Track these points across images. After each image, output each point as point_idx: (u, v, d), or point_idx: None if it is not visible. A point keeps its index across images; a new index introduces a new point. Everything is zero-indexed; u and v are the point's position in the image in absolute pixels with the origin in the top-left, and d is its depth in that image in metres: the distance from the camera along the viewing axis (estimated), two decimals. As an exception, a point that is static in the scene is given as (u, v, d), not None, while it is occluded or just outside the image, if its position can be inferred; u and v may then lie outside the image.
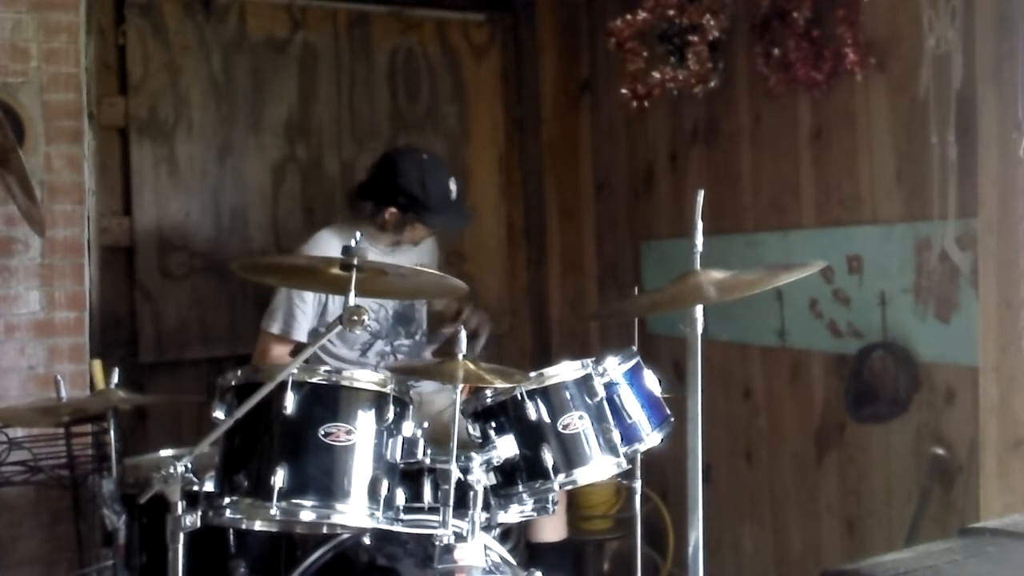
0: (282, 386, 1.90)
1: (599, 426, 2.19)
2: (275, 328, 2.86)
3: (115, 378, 2.38)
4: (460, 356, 2.01)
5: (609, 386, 2.25)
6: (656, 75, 3.28)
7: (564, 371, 2.19)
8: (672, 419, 2.38)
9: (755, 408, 3.27)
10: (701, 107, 3.39)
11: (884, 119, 2.73)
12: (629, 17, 3.34)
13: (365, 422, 1.97)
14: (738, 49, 3.17)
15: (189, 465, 1.80)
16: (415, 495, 2.08)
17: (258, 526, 2.00)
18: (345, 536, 2.21)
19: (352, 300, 1.83)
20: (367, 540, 2.22)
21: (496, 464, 2.08)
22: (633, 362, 2.37)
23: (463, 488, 2.00)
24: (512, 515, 2.20)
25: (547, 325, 4.16)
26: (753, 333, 3.21)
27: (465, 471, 2.00)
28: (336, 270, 1.92)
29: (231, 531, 2.23)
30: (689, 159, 3.51)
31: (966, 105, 2.46)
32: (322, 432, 1.93)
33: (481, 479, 2.01)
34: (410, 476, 2.07)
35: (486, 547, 2.16)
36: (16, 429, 2.86)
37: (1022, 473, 2.41)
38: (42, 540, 3.05)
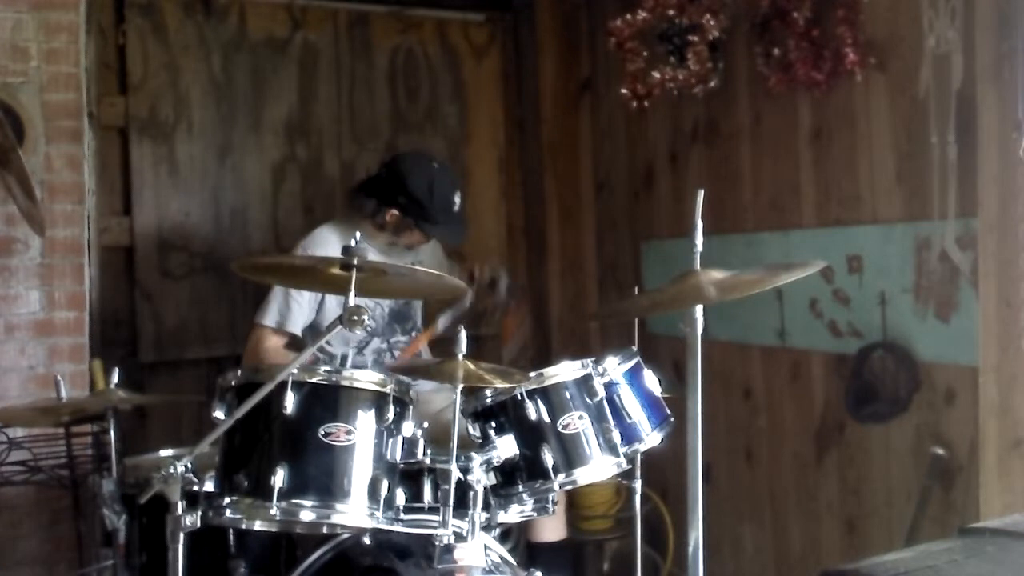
0: (282, 386, 1.90)
1: (599, 426, 2.19)
2: (269, 320, 2.86)
3: (115, 378, 2.38)
4: (460, 356, 2.01)
5: (609, 386, 2.25)
6: (656, 75, 3.28)
7: (564, 371, 2.19)
8: (672, 419, 2.38)
9: (755, 408, 3.27)
10: (701, 107, 3.39)
11: (884, 119, 2.73)
12: (629, 17, 3.34)
13: (365, 422, 1.97)
14: (738, 49, 3.17)
15: (189, 465, 1.80)
16: (415, 495, 2.07)
17: (258, 526, 2.00)
18: (345, 536, 2.21)
19: (352, 300, 1.83)
20: (367, 540, 2.22)
21: (496, 464, 2.08)
22: (633, 362, 2.37)
23: (463, 488, 2.00)
24: (512, 515, 2.20)
25: (547, 325, 4.16)
26: (753, 333, 3.21)
27: (465, 471, 2.00)
28: (336, 270, 1.92)
29: (231, 531, 2.22)
30: (689, 159, 3.51)
31: (966, 105, 2.46)
32: (322, 432, 1.93)
33: (481, 479, 2.01)
34: (410, 476, 2.07)
35: (486, 547, 2.16)
36: (16, 429, 2.86)
37: (1022, 473, 2.41)
38: (42, 540, 3.05)
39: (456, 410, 2.01)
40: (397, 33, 3.96)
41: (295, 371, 1.90)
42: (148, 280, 3.55)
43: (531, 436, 2.13)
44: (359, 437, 1.96)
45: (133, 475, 2.31)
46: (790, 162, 3.05)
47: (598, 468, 2.17)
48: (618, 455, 2.20)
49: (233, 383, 2.00)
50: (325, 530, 2.16)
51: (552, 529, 2.94)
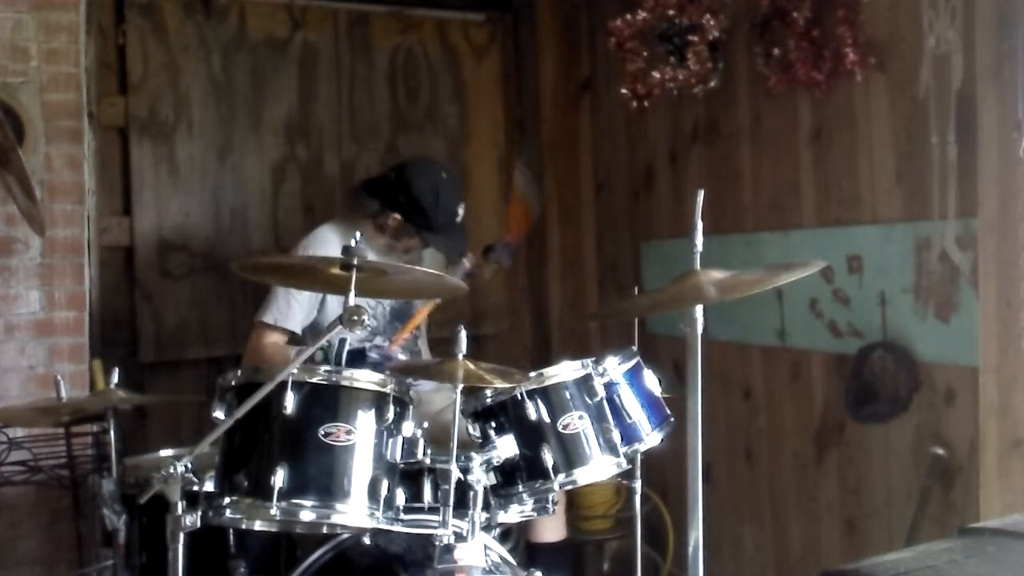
0: (282, 386, 1.90)
1: (599, 426, 2.19)
2: (269, 318, 2.87)
3: (115, 378, 2.38)
4: (460, 356, 2.01)
5: (609, 386, 2.25)
6: (656, 75, 3.28)
7: (564, 371, 2.19)
8: (672, 419, 2.38)
9: (755, 408, 3.27)
10: (701, 107, 3.39)
11: (884, 119, 2.73)
12: (629, 17, 3.34)
13: (365, 422, 1.97)
14: (738, 49, 3.17)
15: (189, 465, 1.80)
16: (415, 495, 2.08)
17: (258, 526, 2.00)
18: (345, 536, 2.21)
19: (352, 300, 1.83)
20: (367, 540, 2.22)
21: (496, 464, 2.08)
22: (633, 362, 2.37)
23: (463, 488, 2.00)
24: (512, 515, 2.20)
25: (547, 325, 4.16)
26: (753, 333, 3.21)
27: (465, 471, 2.00)
28: (336, 270, 1.92)
29: (231, 531, 2.23)
30: (689, 159, 3.51)
31: (966, 105, 2.46)
32: (322, 432, 1.93)
33: (481, 479, 2.01)
34: (410, 476, 2.07)
35: (486, 547, 2.16)
36: (16, 429, 2.86)
37: (1022, 473, 2.41)
38: (42, 540, 3.05)
39: (456, 410, 2.01)
40: (397, 33, 3.96)
41: (295, 371, 1.90)
42: (148, 280, 3.55)
43: (531, 436, 2.13)
44: (359, 437, 1.95)
45: (133, 475, 2.31)
46: (790, 162, 3.05)
47: (598, 468, 2.17)
48: (618, 455, 2.20)
49: (233, 383, 2.00)
50: (325, 530, 2.16)
51: (552, 529, 2.94)
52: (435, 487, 2.01)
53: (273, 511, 1.88)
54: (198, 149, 3.63)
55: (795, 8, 2.84)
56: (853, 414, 2.84)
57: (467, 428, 2.18)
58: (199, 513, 1.84)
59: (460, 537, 1.97)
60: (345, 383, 1.99)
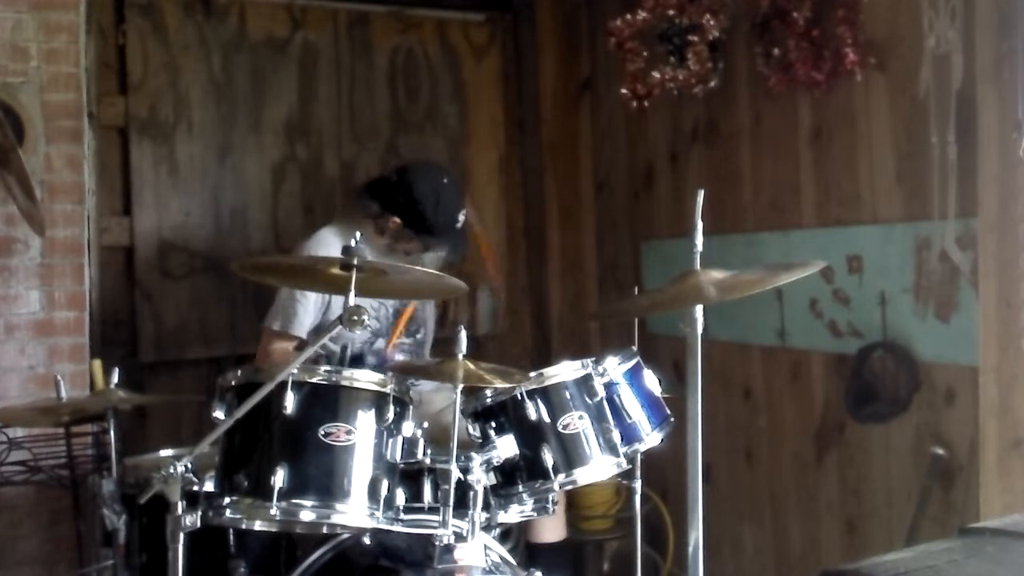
0: (282, 386, 1.90)
1: (599, 426, 2.19)
2: (276, 324, 2.87)
3: (115, 378, 2.38)
4: (460, 356, 2.01)
5: (609, 386, 2.25)
6: (656, 75, 3.28)
7: (564, 371, 2.19)
8: (672, 419, 2.38)
9: (755, 408, 3.27)
10: (701, 107, 3.39)
11: (884, 119, 2.73)
12: (629, 17, 3.34)
13: (365, 422, 1.97)
14: (738, 49, 3.17)
15: (189, 465, 1.80)
16: (415, 495, 2.08)
17: (258, 526, 2.00)
18: (345, 536, 2.21)
19: (352, 300, 1.83)
20: (367, 540, 2.22)
21: (496, 464, 2.08)
22: (633, 362, 2.37)
23: (463, 488, 2.00)
24: (512, 515, 2.20)
25: (547, 325, 4.16)
26: (753, 333, 3.21)
27: (465, 471, 2.00)
28: (336, 270, 1.92)
29: (231, 531, 2.23)
30: (689, 159, 3.51)
31: (966, 105, 2.46)
32: (322, 432, 1.93)
33: (481, 479, 2.01)
34: (410, 476, 2.07)
35: (486, 547, 2.16)
36: (16, 429, 2.86)
37: (1022, 473, 2.41)
38: (42, 540, 3.05)
39: (456, 410, 2.01)
40: (397, 33, 3.96)
41: (295, 371, 1.90)
42: (148, 280, 3.55)
43: (531, 436, 2.13)
44: (359, 437, 1.95)
45: (133, 475, 2.31)
46: (790, 162, 3.05)
47: (598, 468, 2.17)
48: (618, 455, 2.20)
49: (233, 383, 2.00)
50: (325, 530, 2.16)
51: (552, 529, 2.95)
52: (435, 487, 2.01)
53: (273, 511, 1.88)
54: (198, 149, 3.63)
55: (795, 8, 2.84)
56: (853, 414, 2.84)
57: (467, 428, 2.18)
58: (199, 513, 1.84)
59: (460, 537, 1.97)
60: (345, 383, 1.99)
